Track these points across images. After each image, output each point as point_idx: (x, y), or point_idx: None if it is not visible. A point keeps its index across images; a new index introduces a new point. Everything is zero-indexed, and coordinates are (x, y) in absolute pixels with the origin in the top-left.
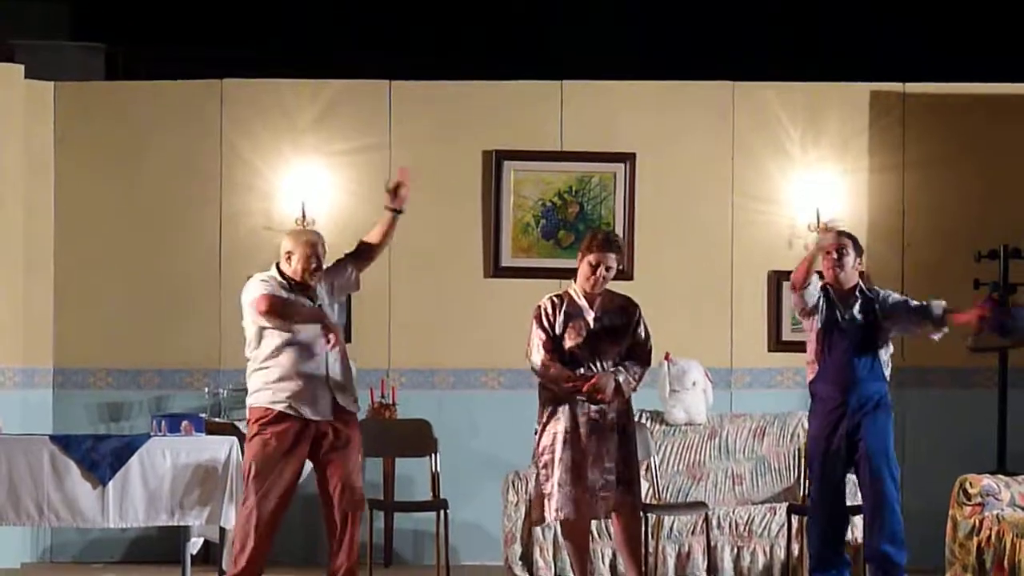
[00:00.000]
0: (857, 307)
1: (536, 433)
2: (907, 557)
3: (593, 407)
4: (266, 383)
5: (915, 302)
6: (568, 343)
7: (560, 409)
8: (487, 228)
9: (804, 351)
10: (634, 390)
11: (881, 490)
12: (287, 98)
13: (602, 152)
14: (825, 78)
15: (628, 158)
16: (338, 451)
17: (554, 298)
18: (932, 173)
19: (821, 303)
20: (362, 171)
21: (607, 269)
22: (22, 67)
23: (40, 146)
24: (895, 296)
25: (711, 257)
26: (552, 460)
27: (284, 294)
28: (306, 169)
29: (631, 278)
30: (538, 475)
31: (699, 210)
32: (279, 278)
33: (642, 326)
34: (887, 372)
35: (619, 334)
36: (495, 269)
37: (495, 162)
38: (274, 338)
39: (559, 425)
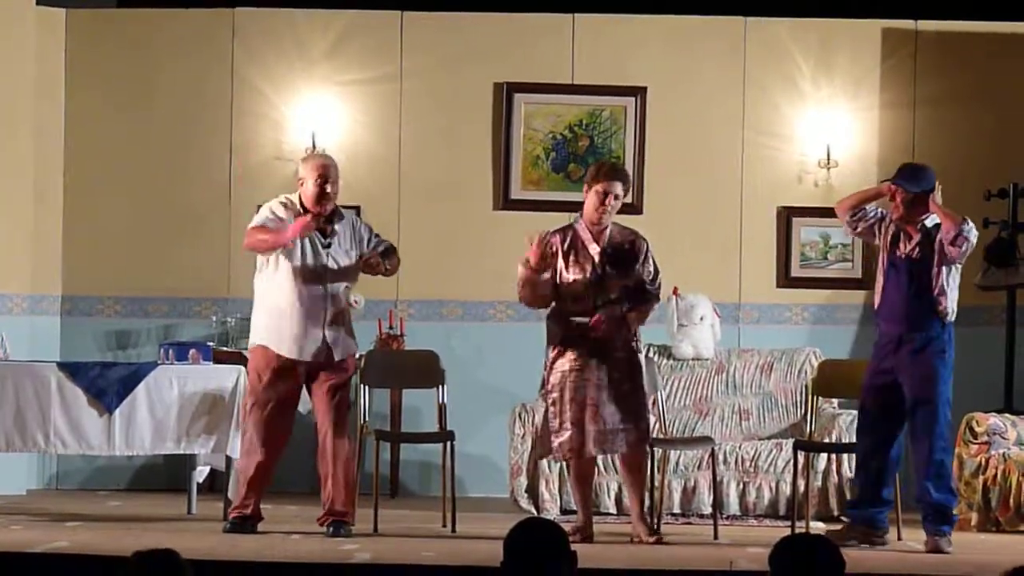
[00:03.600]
0: (914, 242)
1: (545, 368)
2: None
3: (599, 343)
4: (260, 317)
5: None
6: (571, 276)
7: (568, 346)
8: (497, 160)
9: (811, 287)
10: (639, 324)
11: (922, 435)
12: (299, 28)
13: (613, 86)
14: (837, 14)
15: (639, 92)
16: (326, 393)
17: (559, 232)
18: (943, 111)
19: (881, 230)
20: (373, 102)
21: (615, 198)
22: None
23: (51, 73)
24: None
25: (721, 192)
26: (561, 398)
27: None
28: (317, 99)
29: (640, 212)
30: (546, 411)
31: (709, 145)
32: (297, 204)
33: (650, 260)
34: (949, 317)
35: (626, 268)
36: (504, 201)
37: (506, 94)
38: (274, 270)
39: (567, 363)
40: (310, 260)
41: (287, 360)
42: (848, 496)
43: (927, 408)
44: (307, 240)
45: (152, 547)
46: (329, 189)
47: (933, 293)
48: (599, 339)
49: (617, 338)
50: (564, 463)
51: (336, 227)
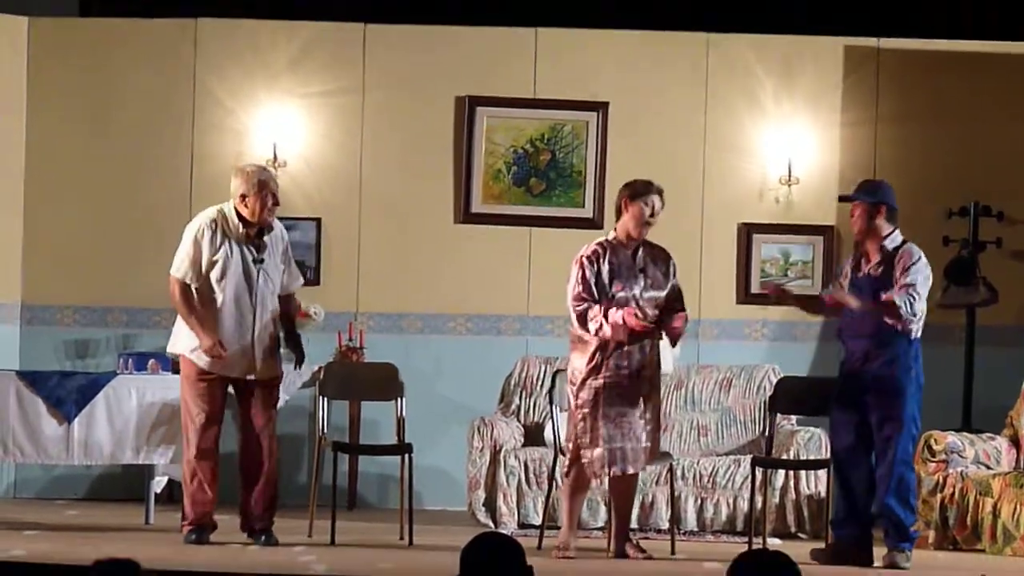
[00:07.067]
0: (875, 262)
1: (572, 383)
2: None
3: (634, 360)
4: (185, 327)
5: (890, 293)
6: (614, 291)
7: (603, 362)
8: (458, 174)
9: (772, 304)
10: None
11: (885, 451)
12: (261, 39)
13: (575, 100)
14: (799, 31)
15: (601, 107)
16: (254, 400)
17: (597, 247)
18: (904, 129)
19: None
20: (335, 114)
21: (656, 213)
22: None
23: (12, 81)
24: (904, 272)
25: (682, 207)
26: (593, 414)
27: (221, 243)
28: (279, 110)
29: (601, 227)
30: (576, 428)
31: (671, 160)
32: (235, 219)
33: (676, 276)
34: (914, 333)
35: (660, 283)
36: (465, 215)
37: (468, 108)
38: (207, 291)
39: (600, 380)
40: (241, 275)
41: (212, 373)
42: (806, 512)
43: (892, 424)
44: (238, 254)
45: (111, 556)
46: (271, 204)
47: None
48: (633, 359)
49: (647, 356)
50: (571, 478)
51: (266, 240)
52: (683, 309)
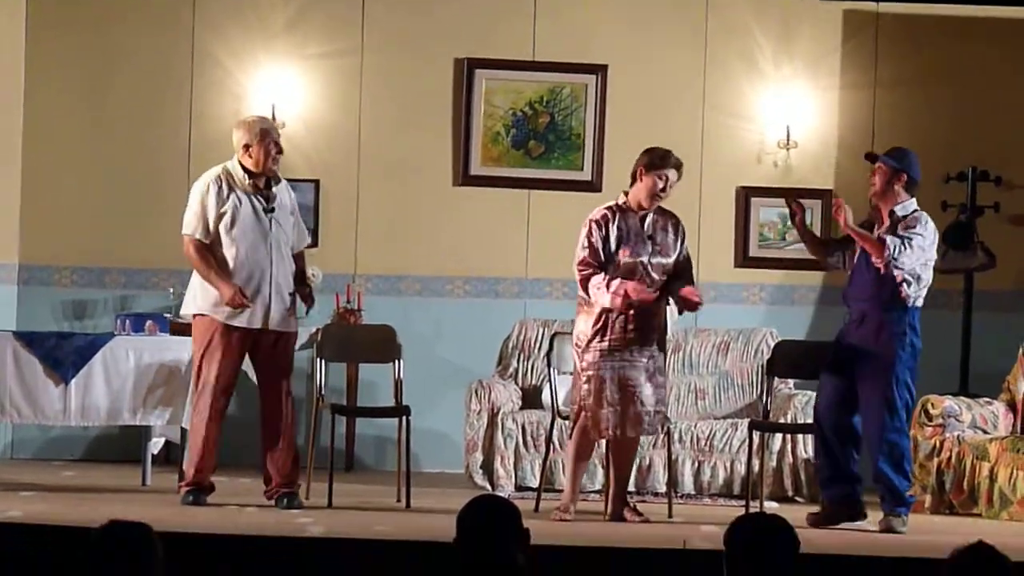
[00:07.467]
0: (884, 227)
1: (578, 346)
2: (901, 483)
3: (640, 323)
4: (199, 285)
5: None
6: (621, 257)
7: (609, 325)
8: (457, 136)
9: (769, 268)
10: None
11: (873, 415)
12: (260, 0)
13: (574, 63)
14: None
15: (600, 70)
16: (270, 360)
17: (607, 211)
18: (903, 93)
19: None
20: (333, 75)
21: (670, 186)
22: None
23: (11, 43)
24: (904, 231)
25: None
26: (601, 377)
27: (228, 195)
28: (277, 72)
29: (600, 190)
30: (581, 391)
31: (670, 123)
32: (240, 172)
33: (686, 243)
34: (912, 302)
35: (668, 250)
36: (464, 177)
37: (467, 70)
38: (222, 246)
39: (606, 343)
40: (253, 225)
41: (230, 327)
42: (803, 476)
43: (880, 388)
44: (247, 204)
45: (117, 518)
46: (275, 152)
47: (896, 279)
48: (640, 322)
49: (654, 321)
50: (576, 439)
51: (274, 191)
52: (691, 283)
